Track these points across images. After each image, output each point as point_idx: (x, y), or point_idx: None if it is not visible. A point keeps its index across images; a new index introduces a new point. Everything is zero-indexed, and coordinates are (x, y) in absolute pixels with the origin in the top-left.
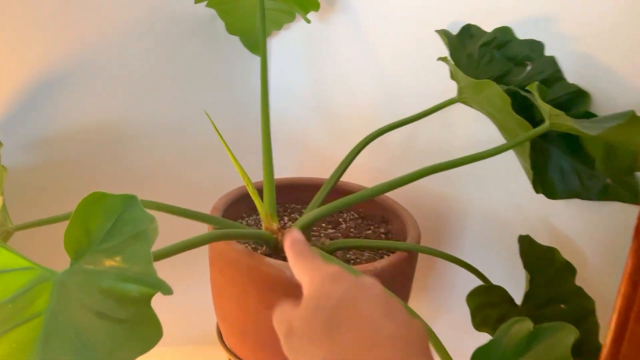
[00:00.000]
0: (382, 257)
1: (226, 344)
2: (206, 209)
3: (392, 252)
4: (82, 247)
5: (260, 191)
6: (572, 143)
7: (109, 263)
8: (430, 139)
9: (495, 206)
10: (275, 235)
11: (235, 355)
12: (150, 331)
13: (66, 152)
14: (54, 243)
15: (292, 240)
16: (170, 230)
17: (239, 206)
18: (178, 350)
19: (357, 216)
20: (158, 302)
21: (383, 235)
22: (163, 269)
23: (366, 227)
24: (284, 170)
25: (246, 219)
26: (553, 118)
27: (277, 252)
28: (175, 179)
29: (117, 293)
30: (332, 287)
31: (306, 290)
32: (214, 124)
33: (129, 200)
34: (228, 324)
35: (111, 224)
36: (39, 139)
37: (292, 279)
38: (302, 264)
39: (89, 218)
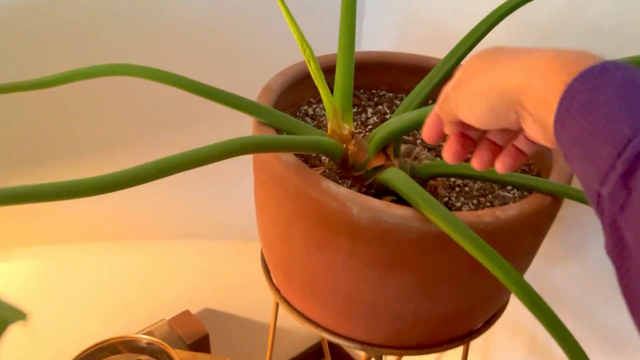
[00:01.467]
0: (505, 194)
1: (272, 278)
2: (258, 90)
3: (524, 191)
4: None
5: (332, 72)
6: None
7: None
8: (607, 10)
9: None
10: (344, 145)
11: (281, 296)
12: None
13: None
14: None
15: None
16: (209, 118)
17: (304, 88)
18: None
19: None
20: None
21: None
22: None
23: None
24: (380, 41)
25: (313, 105)
26: None
27: (346, 169)
28: (217, 45)
29: None
30: (482, 51)
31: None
32: None
33: None
34: (271, 255)
35: None
36: None
37: (359, 219)
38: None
39: None
